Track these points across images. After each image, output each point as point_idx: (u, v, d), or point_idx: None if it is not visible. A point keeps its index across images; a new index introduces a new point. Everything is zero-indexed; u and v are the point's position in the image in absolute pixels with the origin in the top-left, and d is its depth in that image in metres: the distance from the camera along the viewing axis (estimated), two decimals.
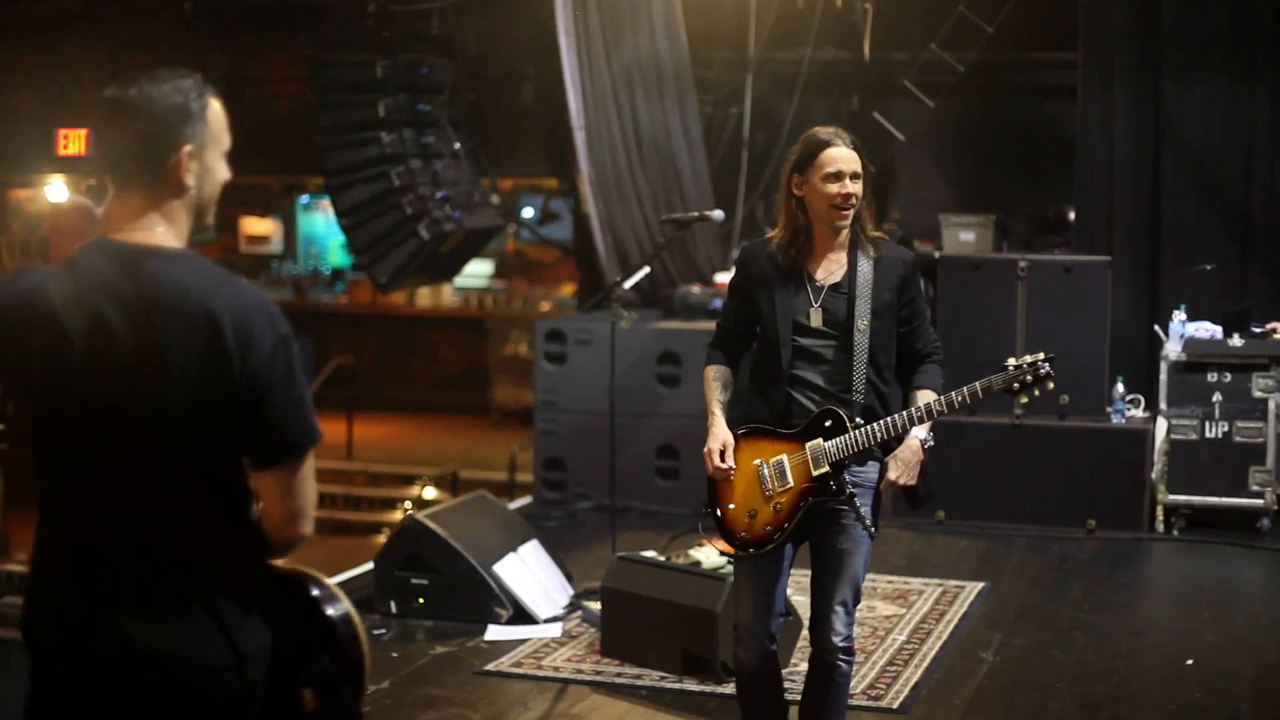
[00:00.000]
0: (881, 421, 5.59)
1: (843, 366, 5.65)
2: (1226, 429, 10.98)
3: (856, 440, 5.56)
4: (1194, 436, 11.02)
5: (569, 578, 9.21)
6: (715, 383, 5.90)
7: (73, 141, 15.79)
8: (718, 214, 8.93)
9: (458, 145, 12.87)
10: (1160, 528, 11.02)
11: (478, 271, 19.95)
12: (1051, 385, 5.77)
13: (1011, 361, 5.75)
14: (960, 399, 5.64)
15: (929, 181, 14.78)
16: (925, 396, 5.74)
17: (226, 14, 15.03)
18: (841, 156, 5.59)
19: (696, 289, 12.41)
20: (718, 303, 12.05)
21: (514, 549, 8.94)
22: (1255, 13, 12.41)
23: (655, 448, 11.58)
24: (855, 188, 5.59)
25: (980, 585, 9.51)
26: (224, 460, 3.42)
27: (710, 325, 11.71)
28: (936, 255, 13.41)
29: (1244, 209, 12.46)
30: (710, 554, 9.27)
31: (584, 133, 12.26)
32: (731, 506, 5.76)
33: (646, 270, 9.53)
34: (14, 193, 23.09)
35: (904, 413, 5.61)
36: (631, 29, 12.59)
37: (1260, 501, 10.94)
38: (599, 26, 12.23)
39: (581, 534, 10.98)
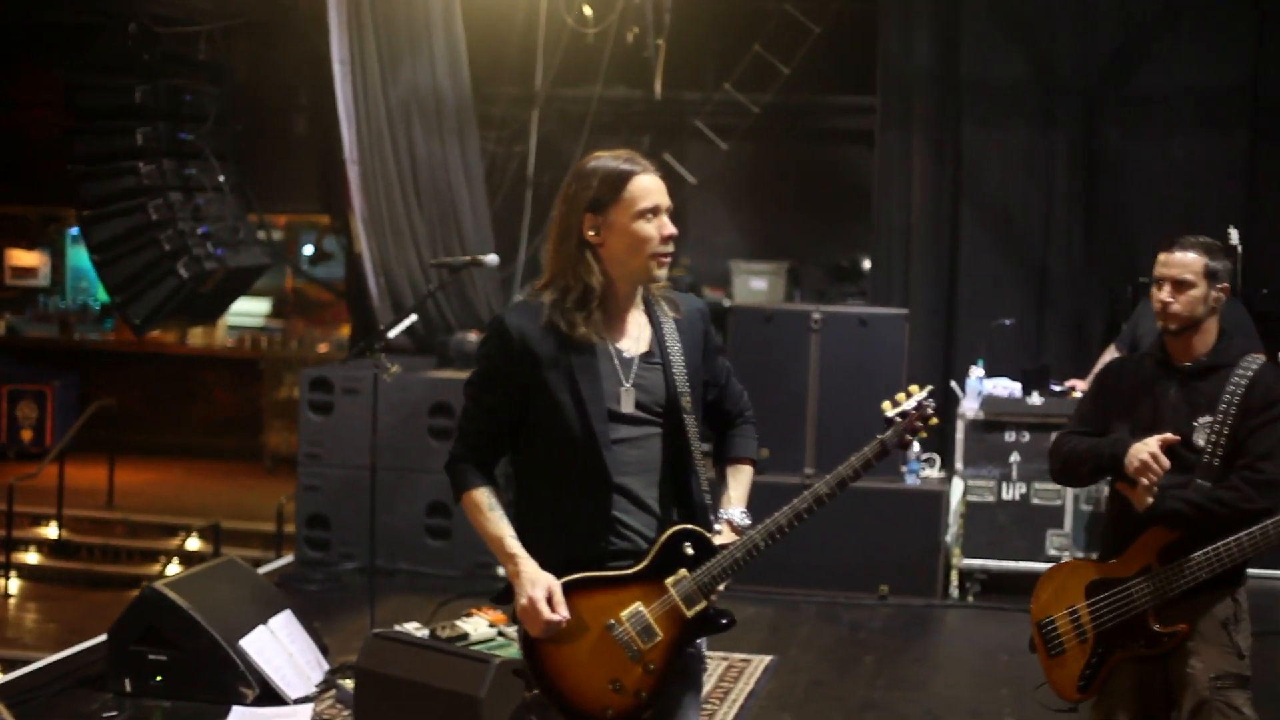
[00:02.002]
0: (761, 527, 4.56)
1: (669, 460, 4.51)
2: (1024, 490, 10.57)
3: (733, 558, 4.51)
4: (990, 498, 10.59)
5: (324, 651, 8.49)
6: (495, 513, 4.48)
7: None
8: (492, 259, 8.30)
9: (222, 178, 12.10)
10: (955, 593, 10.57)
11: (254, 310, 19.21)
12: (936, 422, 4.80)
13: (891, 411, 4.79)
14: (851, 472, 4.74)
15: (720, 227, 14.35)
16: (741, 473, 4.81)
17: None
18: (655, 187, 4.41)
19: (474, 336, 11.74)
20: None
21: (264, 621, 8.17)
22: (1055, 61, 12.16)
23: (426, 505, 10.87)
24: (672, 227, 4.45)
25: (768, 659, 8.93)
26: None
27: None
28: (727, 304, 12.99)
29: (1042, 261, 12.20)
30: (480, 625, 8.60)
31: (358, 167, 11.58)
32: (578, 680, 4.42)
33: (414, 318, 8.83)
34: None
35: (791, 508, 4.61)
36: (411, 59, 11.94)
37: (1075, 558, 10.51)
38: (376, 55, 11.56)
39: (344, 599, 10.23)
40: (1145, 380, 5.52)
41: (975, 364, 11.02)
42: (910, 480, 10.67)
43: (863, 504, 10.43)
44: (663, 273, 4.46)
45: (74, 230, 18.30)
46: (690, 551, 4.45)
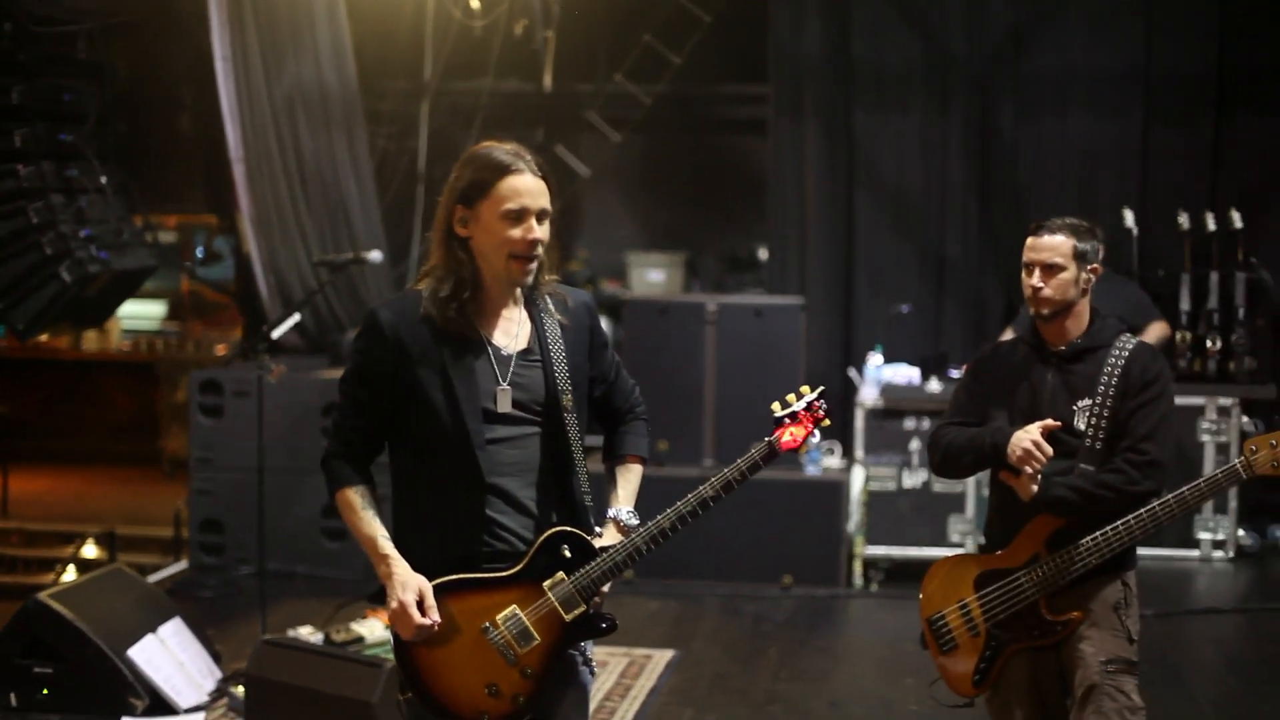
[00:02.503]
0: (644, 530, 4.41)
1: (549, 460, 4.36)
2: (925, 478, 10.52)
3: (613, 561, 4.35)
4: (892, 486, 10.55)
5: (217, 658, 8.30)
6: (368, 512, 4.36)
7: None
8: (375, 255, 8.15)
9: (105, 179, 11.78)
10: (859, 582, 10.51)
11: (149, 313, 18.91)
12: (828, 423, 4.68)
13: (781, 412, 4.63)
14: (738, 474, 4.60)
15: (616, 219, 14.21)
16: (630, 471, 4.65)
17: None
18: (527, 188, 4.23)
19: None
20: None
21: (152, 629, 7.98)
22: (948, 44, 12.12)
23: (321, 507, 10.67)
24: (543, 232, 4.26)
25: (670, 654, 8.82)
26: None
27: None
28: (626, 297, 12.88)
29: (939, 247, 12.17)
30: (375, 627, 8.51)
31: (243, 165, 11.35)
32: (452, 684, 4.30)
33: (298, 317, 8.64)
34: None
35: (675, 510, 4.45)
36: (294, 54, 11.73)
37: (961, 552, 10.46)
38: (259, 51, 11.34)
39: (240, 605, 10.02)
40: (1020, 367, 5.44)
41: (873, 351, 10.96)
42: (811, 470, 10.59)
43: (764, 494, 10.35)
44: (525, 278, 4.29)
45: None
46: (568, 554, 4.32)
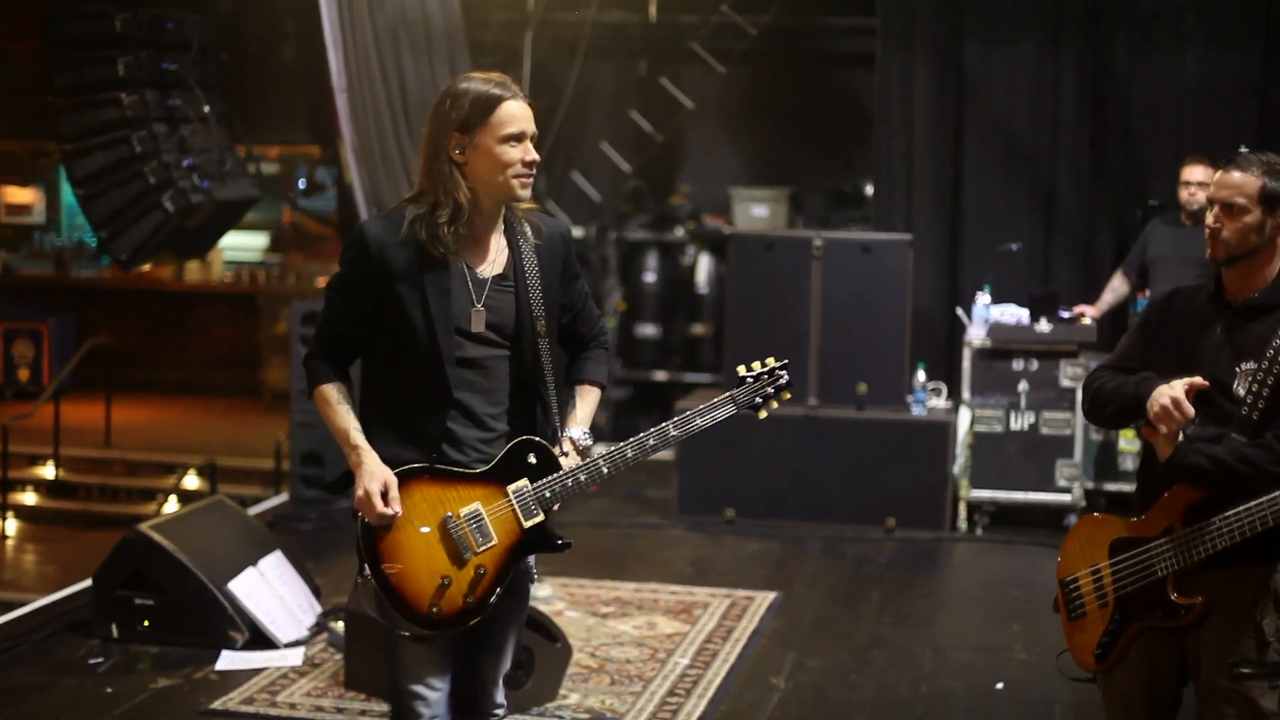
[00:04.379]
0: (607, 454, 4.50)
1: (512, 384, 4.52)
2: (1033, 420, 10.34)
3: (575, 477, 4.47)
4: (998, 428, 10.37)
5: (317, 593, 8.25)
6: (343, 406, 4.54)
7: None
8: None
9: (207, 109, 11.77)
10: (963, 526, 10.36)
11: (250, 245, 18.95)
12: (789, 396, 4.76)
13: (744, 372, 4.71)
14: (700, 420, 4.58)
15: (719, 153, 14.03)
16: (588, 394, 4.74)
17: None
18: (522, 114, 4.47)
19: None
20: None
21: (253, 563, 7.94)
22: None
23: None
24: (536, 152, 4.52)
25: (772, 595, 8.70)
26: None
27: None
28: (726, 232, 12.74)
29: (1049, 185, 11.89)
30: None
31: (346, 95, 11.26)
32: (407, 571, 4.41)
33: None
34: None
35: (639, 440, 4.51)
36: None
37: (1068, 497, 10.32)
38: None
39: (339, 539, 9.96)
40: (1194, 315, 4.84)
41: (981, 290, 10.76)
42: (916, 410, 10.44)
43: (868, 435, 10.26)
44: (525, 192, 4.50)
45: None
46: (533, 462, 4.47)
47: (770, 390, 4.71)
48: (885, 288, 10.48)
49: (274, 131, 13.95)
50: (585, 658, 7.52)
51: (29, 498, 15.42)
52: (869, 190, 12.94)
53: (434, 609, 4.40)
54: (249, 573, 7.87)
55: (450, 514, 4.41)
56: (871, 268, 10.50)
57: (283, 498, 11.24)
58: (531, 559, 4.59)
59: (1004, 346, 10.41)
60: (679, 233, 13.57)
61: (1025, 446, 10.33)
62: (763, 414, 4.72)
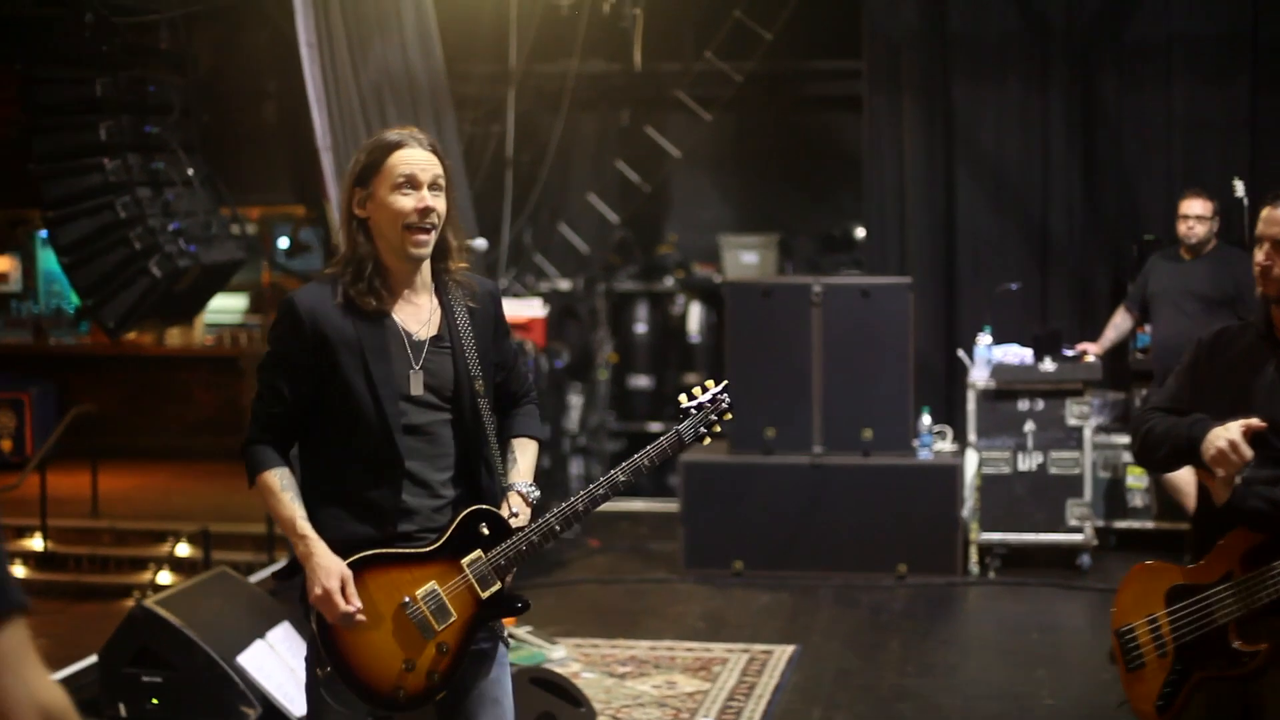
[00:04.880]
0: (557, 511, 4.37)
1: (455, 448, 4.41)
2: (1041, 460, 10.21)
3: (529, 540, 4.34)
4: (1006, 470, 10.24)
5: None
6: (287, 494, 4.32)
7: None
8: (480, 243, 7.92)
9: (191, 171, 11.58)
10: (975, 570, 10.21)
11: (231, 307, 18.79)
12: (730, 417, 4.65)
13: (687, 403, 4.59)
14: (649, 461, 4.45)
15: (706, 200, 13.93)
16: (527, 448, 4.62)
17: None
18: (418, 159, 4.31)
19: None
20: None
21: (261, 635, 7.73)
22: (1046, 13, 11.78)
23: None
24: (437, 201, 4.30)
25: (790, 649, 8.53)
26: None
27: None
28: (718, 280, 12.63)
29: (1043, 223, 11.82)
30: None
31: (331, 154, 11.11)
32: (369, 659, 4.29)
33: None
34: None
35: (588, 492, 4.40)
36: (380, 39, 11.46)
37: (1079, 537, 10.18)
38: (344, 36, 11.07)
39: None
40: (1244, 354, 4.71)
41: (982, 331, 10.64)
42: (923, 455, 10.30)
43: (875, 480, 10.12)
44: (419, 251, 4.32)
45: (43, 233, 17.90)
46: (486, 532, 4.36)
47: (714, 417, 4.60)
48: (886, 332, 10.35)
49: (258, 192, 13.75)
50: None
51: (18, 570, 15.16)
52: (859, 233, 12.85)
53: (399, 692, 4.32)
54: (258, 645, 7.68)
55: (408, 598, 4.31)
56: (871, 312, 10.37)
57: (281, 563, 11.03)
58: (499, 624, 4.51)
59: (1008, 387, 10.30)
60: (668, 282, 13.45)
61: (1034, 487, 10.20)
62: (707, 441, 4.64)
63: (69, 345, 17.96)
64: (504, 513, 4.41)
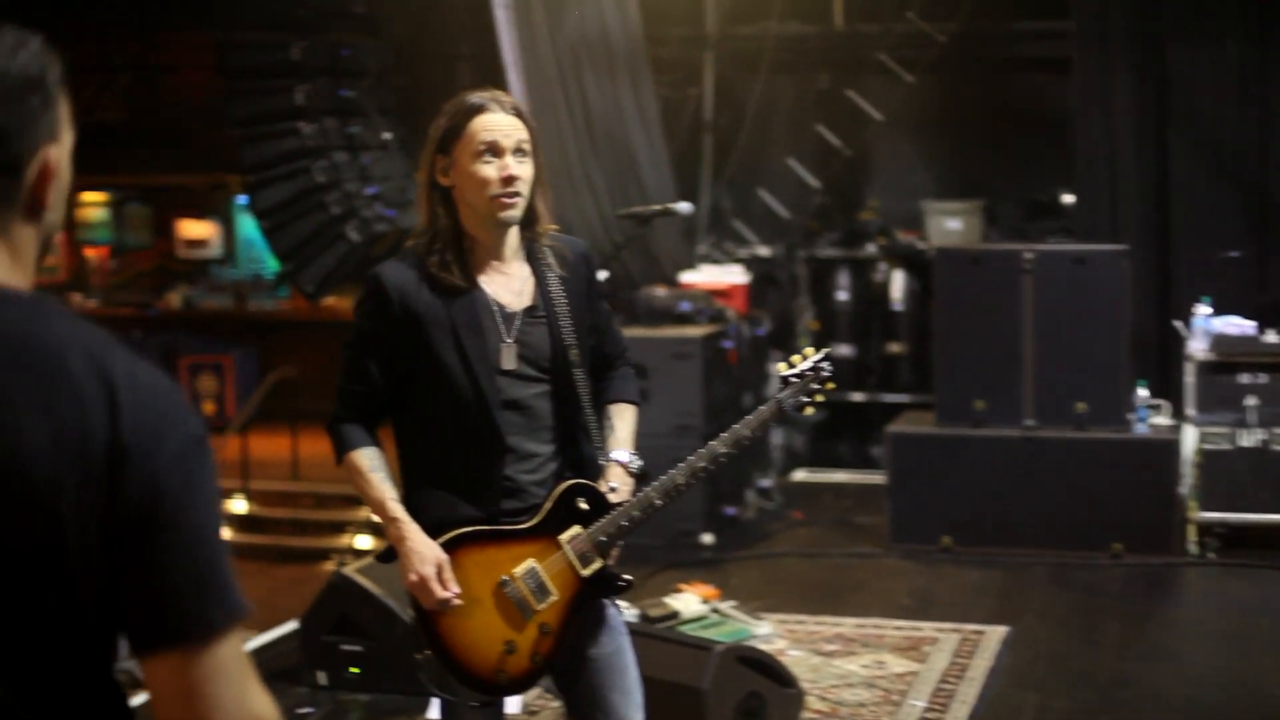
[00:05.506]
0: (657, 484, 4.29)
1: (555, 419, 4.29)
2: (1264, 437, 9.73)
3: (629, 514, 4.25)
4: (1227, 446, 9.77)
5: None
6: (376, 474, 4.23)
7: None
8: (684, 206, 7.60)
9: (387, 135, 11.50)
10: (1194, 550, 9.76)
11: None
12: (833, 387, 4.56)
13: (787, 371, 4.54)
14: (749, 432, 4.39)
15: (909, 165, 13.55)
16: (625, 413, 4.50)
17: None
18: (500, 124, 4.18)
19: (660, 291, 11.09)
20: (685, 305, 10.81)
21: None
22: None
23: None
24: (521, 167, 4.18)
25: (1002, 630, 8.18)
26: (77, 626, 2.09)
27: (679, 332, 10.52)
28: (922, 247, 12.30)
29: (1261, 186, 11.27)
30: (690, 601, 8.08)
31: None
32: (469, 642, 4.19)
33: (604, 275, 8.14)
34: None
35: (688, 464, 4.32)
36: (576, 1, 11.27)
37: None
38: None
39: None
40: None
41: (1201, 301, 10.21)
42: (1139, 429, 9.90)
43: (1089, 456, 9.75)
44: (509, 214, 4.20)
45: (242, 198, 18.02)
46: (585, 507, 4.26)
47: (815, 385, 4.52)
48: (1100, 301, 9.95)
49: None
50: (815, 701, 7.09)
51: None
52: (1066, 199, 12.43)
53: (501, 675, 4.22)
54: None
55: (505, 577, 4.21)
56: (1085, 281, 9.97)
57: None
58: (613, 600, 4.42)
59: (1230, 359, 9.85)
60: (870, 249, 13.10)
61: (1257, 465, 9.73)
62: (809, 411, 4.55)
63: (269, 310, 18.04)
64: (603, 486, 4.30)
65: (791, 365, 4.54)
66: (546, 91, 11.11)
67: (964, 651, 7.82)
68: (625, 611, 7.76)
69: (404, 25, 12.71)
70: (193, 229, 21.06)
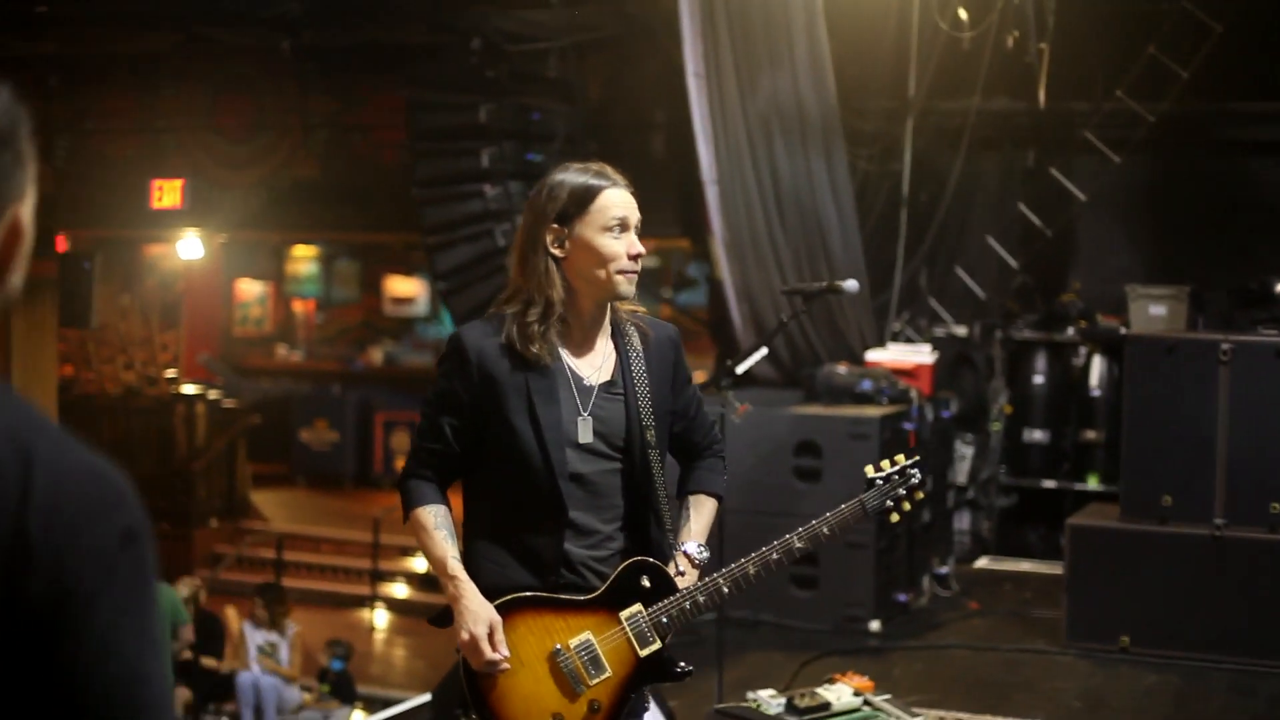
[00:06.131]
0: (727, 571, 4.26)
1: (624, 498, 4.27)
2: None
3: (693, 599, 4.23)
4: None
5: (670, 718, 7.64)
6: (440, 532, 4.24)
7: (167, 193, 14.56)
8: (851, 284, 7.39)
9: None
10: None
11: None
12: (922, 496, 4.53)
13: (874, 474, 4.49)
14: (827, 529, 4.34)
15: (1113, 247, 13.16)
16: (704, 505, 4.48)
17: (328, 53, 13.73)
18: (624, 201, 4.27)
19: (842, 369, 10.82)
20: (866, 384, 10.51)
21: None
22: None
23: None
24: (640, 245, 4.27)
25: None
26: None
27: (858, 412, 10.24)
28: (1123, 332, 11.89)
29: None
30: (843, 693, 7.78)
31: (717, 187, 10.81)
32: (515, 710, 4.17)
33: (764, 352, 7.91)
34: (148, 248, 22.22)
35: (760, 555, 4.27)
36: (770, 70, 11.09)
37: None
38: (733, 67, 10.75)
39: (701, 654, 9.30)
40: None
41: None
42: None
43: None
44: (629, 288, 4.25)
45: None
46: (647, 585, 4.23)
47: (902, 492, 4.48)
48: None
49: (646, 224, 13.57)
50: None
51: (399, 589, 15.21)
52: (1279, 288, 11.96)
53: None
54: None
55: (559, 646, 4.19)
56: None
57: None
58: (650, 701, 4.40)
59: None
60: (1070, 332, 12.71)
61: None
62: (894, 517, 4.50)
63: None
64: (671, 569, 4.29)
65: (879, 469, 4.49)
66: (736, 160, 10.95)
67: None
68: (768, 699, 7.56)
69: (598, 91, 12.66)
70: (400, 286, 21.28)
